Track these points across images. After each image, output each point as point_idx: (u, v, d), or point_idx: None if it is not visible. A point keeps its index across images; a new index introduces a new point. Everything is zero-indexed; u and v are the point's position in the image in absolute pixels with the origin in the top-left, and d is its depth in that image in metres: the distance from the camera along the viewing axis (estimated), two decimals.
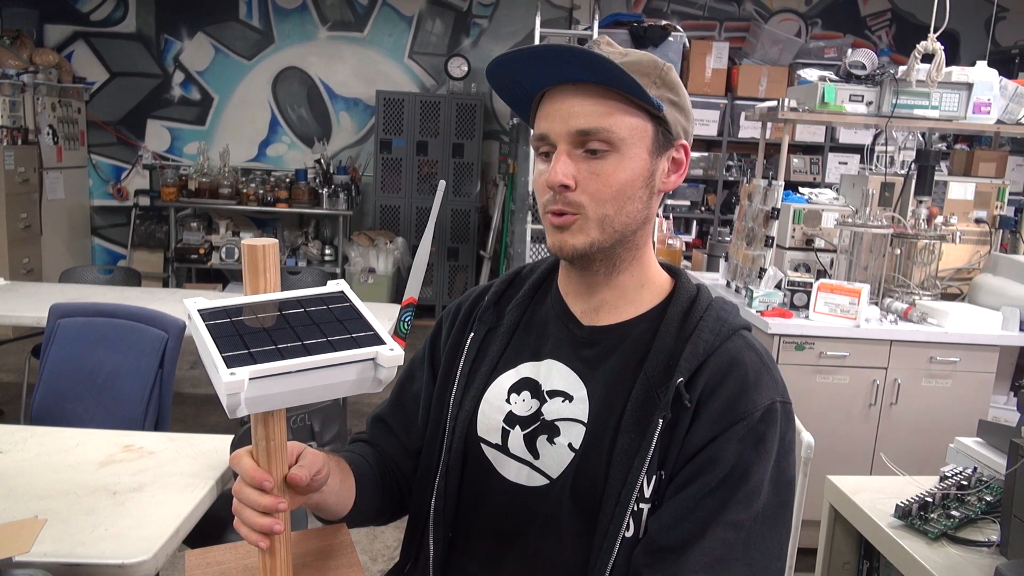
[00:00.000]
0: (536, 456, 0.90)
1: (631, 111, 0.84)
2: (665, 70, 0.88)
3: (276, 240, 0.73)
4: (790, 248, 3.13)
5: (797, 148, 5.93)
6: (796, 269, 3.11)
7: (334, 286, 0.79)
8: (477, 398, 0.95)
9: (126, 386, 2.18)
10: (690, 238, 5.88)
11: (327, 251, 6.08)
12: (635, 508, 0.82)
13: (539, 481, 0.89)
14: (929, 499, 1.26)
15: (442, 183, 0.84)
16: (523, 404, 0.92)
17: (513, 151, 5.30)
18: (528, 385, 0.93)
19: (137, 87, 6.19)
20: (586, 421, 0.88)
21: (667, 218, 5.11)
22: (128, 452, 1.70)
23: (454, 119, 6.00)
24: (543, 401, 0.91)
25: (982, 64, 2.87)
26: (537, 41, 4.47)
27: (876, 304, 2.85)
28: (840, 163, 5.92)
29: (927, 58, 2.75)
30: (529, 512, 0.89)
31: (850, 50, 2.94)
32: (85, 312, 2.29)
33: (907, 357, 2.68)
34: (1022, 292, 2.70)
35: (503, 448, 0.92)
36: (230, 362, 0.65)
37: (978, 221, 3.06)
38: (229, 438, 1.82)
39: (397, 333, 0.81)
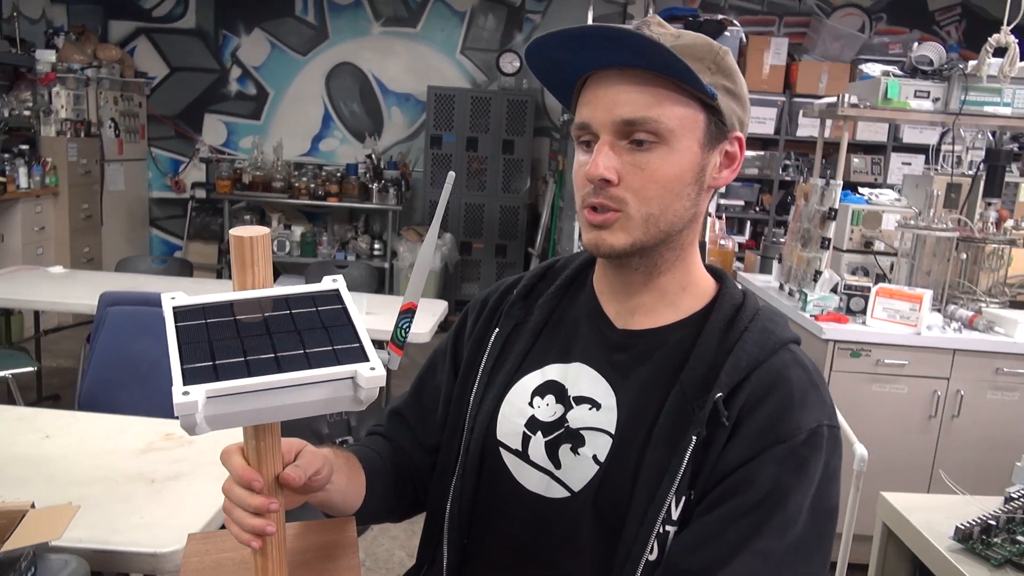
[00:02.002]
0: (558, 466, 0.84)
1: (681, 99, 0.77)
2: (721, 55, 0.81)
3: (267, 230, 0.68)
4: (847, 251, 3.01)
5: (858, 147, 5.73)
6: (853, 273, 2.99)
7: (329, 283, 0.72)
8: (498, 398, 0.90)
9: (169, 375, 2.20)
10: (743, 239, 5.74)
11: (376, 246, 6.11)
12: (660, 530, 0.76)
13: (559, 493, 0.84)
14: (992, 522, 1.17)
15: (451, 175, 0.79)
16: (547, 409, 0.87)
17: (563, 147, 5.24)
18: (553, 389, 0.87)
19: (195, 82, 6.32)
20: (613, 432, 0.82)
21: (720, 218, 5.00)
22: (168, 440, 1.71)
23: (504, 115, 5.96)
24: (568, 407, 0.85)
25: None
26: None
27: (939, 311, 2.72)
28: (904, 163, 5.70)
29: (999, 52, 2.61)
30: (548, 526, 0.84)
31: (916, 44, 2.80)
32: (133, 301, 2.32)
33: (971, 367, 2.55)
34: None
35: (523, 455, 0.87)
36: (189, 376, 0.60)
37: None
38: None
39: (394, 341, 0.76)
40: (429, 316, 3.32)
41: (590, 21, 4.38)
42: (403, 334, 0.76)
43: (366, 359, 0.65)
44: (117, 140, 5.84)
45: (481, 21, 6.29)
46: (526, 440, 0.87)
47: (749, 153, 5.73)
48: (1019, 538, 1.15)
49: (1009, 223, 2.72)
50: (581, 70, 0.80)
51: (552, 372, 0.89)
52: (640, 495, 0.77)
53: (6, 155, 4.73)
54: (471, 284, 6.23)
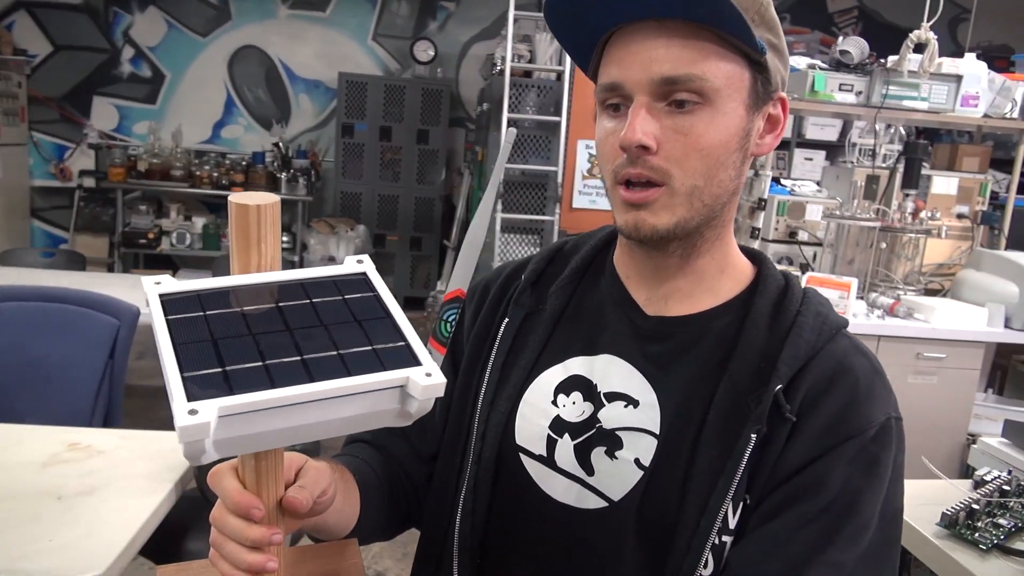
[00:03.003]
0: (590, 472, 0.74)
1: (727, 55, 0.68)
2: (765, 5, 0.72)
3: (276, 197, 0.55)
4: (773, 240, 3.06)
5: None
6: (779, 262, 3.04)
7: (353, 265, 0.59)
8: (515, 398, 0.79)
9: (72, 378, 1.98)
10: None
11: (284, 239, 5.84)
12: (716, 541, 0.67)
13: (594, 503, 0.74)
14: (976, 506, 1.16)
15: (512, 131, 0.67)
16: (573, 408, 0.76)
17: (482, 138, 5.15)
18: (579, 385, 0.77)
19: (83, 62, 5.85)
20: (658, 432, 0.72)
21: None
22: (75, 451, 1.53)
23: (419, 104, 5.81)
24: (599, 405, 0.75)
25: (971, 56, 2.83)
26: (511, 26, 4.32)
27: (861, 299, 2.79)
28: (806, 159, 5.92)
29: (918, 48, 2.69)
30: (581, 541, 0.74)
31: (840, 39, 2.87)
32: (27, 296, 2.08)
33: (895, 353, 2.63)
34: (1007, 288, 2.67)
35: (549, 460, 0.76)
36: (194, 387, 0.47)
37: (960, 216, 3.03)
38: None
39: (436, 337, 0.65)
40: None
41: (511, 6, 4.29)
42: (447, 328, 0.64)
43: (418, 362, 0.52)
44: None
45: (394, 7, 6.11)
46: (551, 444, 0.76)
47: None
48: (1001, 522, 1.15)
49: (925, 214, 2.82)
50: (608, 24, 0.70)
51: (576, 366, 0.78)
52: (691, 503, 0.68)
53: None
54: (385, 277, 6.03)
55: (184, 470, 1.54)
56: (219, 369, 0.48)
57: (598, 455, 0.74)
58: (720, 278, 0.77)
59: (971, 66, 2.80)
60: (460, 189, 5.82)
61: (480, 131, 5.43)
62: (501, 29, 5.87)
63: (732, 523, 0.68)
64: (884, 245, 2.80)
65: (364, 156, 5.86)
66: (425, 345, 0.64)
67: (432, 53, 5.86)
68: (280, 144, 5.74)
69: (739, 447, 0.67)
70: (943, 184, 2.98)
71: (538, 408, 0.78)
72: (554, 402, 0.77)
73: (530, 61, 4.53)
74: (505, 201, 4.42)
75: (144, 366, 4.33)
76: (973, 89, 2.77)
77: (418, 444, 0.88)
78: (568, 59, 4.34)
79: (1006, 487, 1.22)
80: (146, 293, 0.53)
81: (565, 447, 0.76)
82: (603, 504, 0.73)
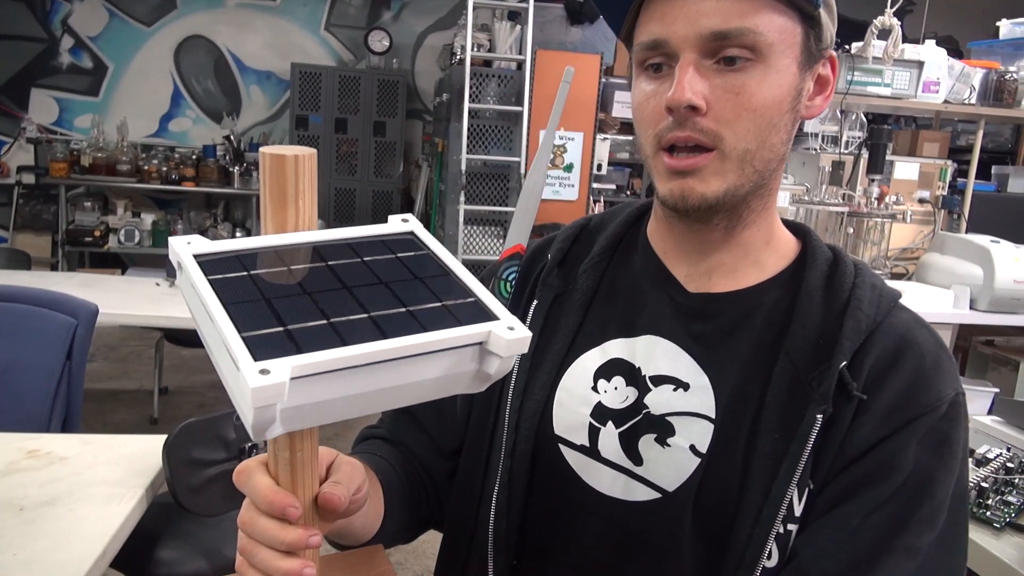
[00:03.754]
0: (638, 462, 0.69)
1: (779, 7, 0.63)
2: None
3: (313, 150, 0.50)
4: None
5: None
6: None
7: (399, 224, 0.54)
8: (550, 385, 0.74)
9: (27, 381, 1.86)
10: None
11: (239, 234, 5.67)
12: (780, 530, 0.63)
13: (644, 495, 0.69)
14: (985, 484, 1.16)
15: (570, 69, 0.60)
16: (615, 394, 0.71)
17: (441, 129, 5.07)
18: (620, 368, 0.72)
19: (18, 52, 5.57)
20: (713, 416, 0.67)
21: (598, 201, 5.02)
22: (34, 458, 1.44)
23: (375, 96, 5.69)
24: (644, 390, 0.71)
25: (931, 43, 2.87)
26: (470, 14, 4.25)
27: None
28: None
29: (882, 35, 2.72)
30: (632, 535, 0.69)
31: None
32: None
33: None
34: (971, 270, 2.72)
35: (592, 451, 0.71)
36: (257, 348, 0.41)
37: (921, 201, 3.08)
38: (157, 439, 1.57)
39: (497, 298, 0.59)
40: None
41: (470, 5, 4.22)
42: (508, 288, 0.58)
43: (495, 316, 0.47)
44: None
45: None
46: (594, 433, 0.71)
47: (619, 137, 5.81)
48: (1010, 499, 1.15)
49: (890, 199, 2.86)
50: None
51: (615, 349, 0.73)
52: (753, 490, 0.64)
53: None
54: None
55: (155, 475, 1.46)
56: (280, 328, 0.43)
57: (647, 443, 0.69)
58: (766, 251, 0.72)
59: (932, 53, 2.84)
60: (419, 182, 5.73)
61: (439, 122, 5.34)
62: (458, 19, 5.80)
63: (797, 510, 0.64)
64: (851, 230, 2.83)
65: (320, 149, 5.68)
66: None
67: (387, 43, 5.75)
68: (231, 137, 5.57)
69: (803, 429, 0.63)
70: (905, 169, 3.03)
71: (577, 395, 0.73)
72: (594, 388, 0.72)
73: (489, 50, 4.47)
74: (467, 193, 4.35)
75: (96, 369, 4.15)
76: (934, 75, 2.81)
77: (439, 438, 0.82)
78: (529, 48, 4.29)
79: (1010, 464, 1.22)
80: (177, 253, 0.48)
81: (609, 436, 0.70)
82: (655, 495, 0.68)
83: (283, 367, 0.40)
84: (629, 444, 0.70)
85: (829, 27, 0.68)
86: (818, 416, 0.63)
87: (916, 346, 0.66)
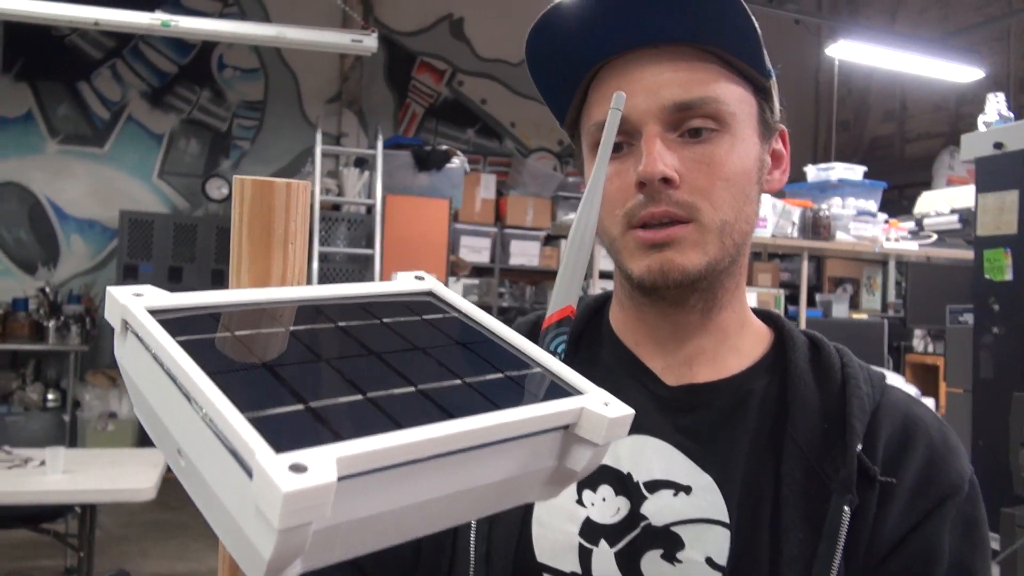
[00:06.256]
0: None
1: (734, 79, 0.62)
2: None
3: (307, 181, 0.40)
4: None
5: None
6: None
7: (411, 282, 0.43)
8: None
9: None
10: None
11: (51, 396, 5.05)
12: None
13: None
14: None
15: (620, 95, 0.52)
16: (604, 505, 0.62)
17: None
18: (605, 476, 0.63)
19: None
20: (727, 521, 0.60)
21: None
22: None
23: (214, 243, 5.46)
24: (639, 498, 0.62)
25: None
26: (319, 160, 4.24)
27: None
28: (602, 288, 6.30)
29: None
30: None
31: None
32: None
33: None
34: None
35: None
36: (273, 433, 0.28)
37: None
38: None
39: None
40: (148, 467, 2.73)
41: (319, 141, 4.23)
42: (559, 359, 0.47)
43: (579, 389, 0.36)
44: None
45: (182, 145, 5.83)
46: (586, 556, 0.61)
47: (468, 281, 5.90)
48: None
49: None
50: (601, 53, 0.63)
51: None
52: None
53: None
54: None
55: None
56: (299, 405, 0.30)
57: (652, 562, 0.59)
58: (742, 335, 0.67)
59: None
60: None
61: None
62: (301, 167, 5.80)
63: None
64: None
65: None
66: None
67: (226, 191, 5.61)
68: (47, 289, 5.07)
69: (830, 524, 0.57)
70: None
71: (560, 510, 0.62)
72: (579, 500, 0.62)
73: (339, 194, 4.46)
74: None
75: None
76: (762, 212, 3.09)
77: None
78: (379, 193, 4.32)
79: None
80: (123, 307, 0.34)
81: (604, 558, 0.60)
82: None
83: (325, 460, 0.26)
84: (629, 565, 0.60)
85: (777, 101, 0.68)
86: (845, 508, 0.57)
87: (923, 423, 0.63)
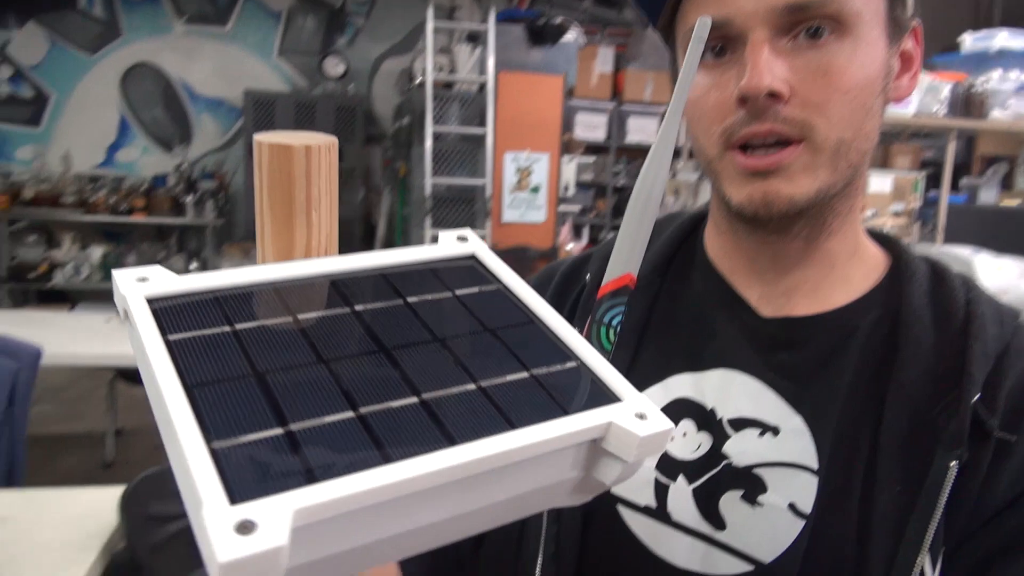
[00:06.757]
0: (720, 526, 0.56)
1: None
2: None
3: (334, 139, 0.37)
4: None
5: None
6: None
7: (453, 244, 0.39)
8: None
9: None
10: (582, 244, 5.76)
11: (193, 266, 5.46)
12: None
13: (730, 567, 0.56)
14: None
15: (705, 20, 0.46)
16: (685, 441, 0.59)
17: (403, 153, 4.96)
18: (688, 410, 0.60)
19: None
20: (816, 467, 0.55)
21: (563, 223, 4.95)
22: None
23: (332, 121, 5.56)
24: (722, 436, 0.58)
25: None
26: (430, 37, 4.17)
27: None
28: None
29: None
30: None
31: None
32: None
33: None
34: None
35: (661, 513, 0.58)
36: (237, 474, 0.25)
37: (896, 214, 3.06)
38: (110, 492, 1.41)
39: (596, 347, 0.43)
40: None
41: (430, 17, 4.14)
42: (611, 337, 0.43)
43: (614, 396, 0.31)
44: None
45: (300, 22, 5.85)
46: (661, 491, 0.58)
47: (583, 159, 5.77)
48: None
49: (867, 212, 2.83)
50: None
51: (681, 386, 0.61)
52: (875, 558, 0.51)
53: None
54: None
55: (109, 535, 1.31)
56: (277, 430, 0.27)
57: (731, 502, 0.56)
58: (852, 264, 0.60)
59: None
60: (380, 208, 5.60)
61: (399, 147, 5.23)
62: (414, 43, 5.73)
63: None
64: None
65: None
66: None
67: (343, 68, 5.64)
68: (183, 166, 5.38)
69: (932, 479, 0.51)
70: (879, 183, 3.01)
71: None
72: None
73: (451, 72, 4.39)
74: (433, 217, 4.25)
75: (42, 412, 3.89)
76: None
77: None
78: (491, 69, 4.23)
79: None
80: (123, 295, 0.32)
81: (680, 493, 0.58)
82: (746, 568, 0.55)
83: (279, 516, 0.24)
84: (708, 504, 0.57)
85: None
86: (952, 464, 0.51)
87: None
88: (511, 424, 0.29)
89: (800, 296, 0.60)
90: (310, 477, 0.25)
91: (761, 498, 0.56)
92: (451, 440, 0.28)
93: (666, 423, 0.31)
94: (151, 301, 0.32)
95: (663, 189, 0.44)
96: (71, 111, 5.52)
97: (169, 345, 0.30)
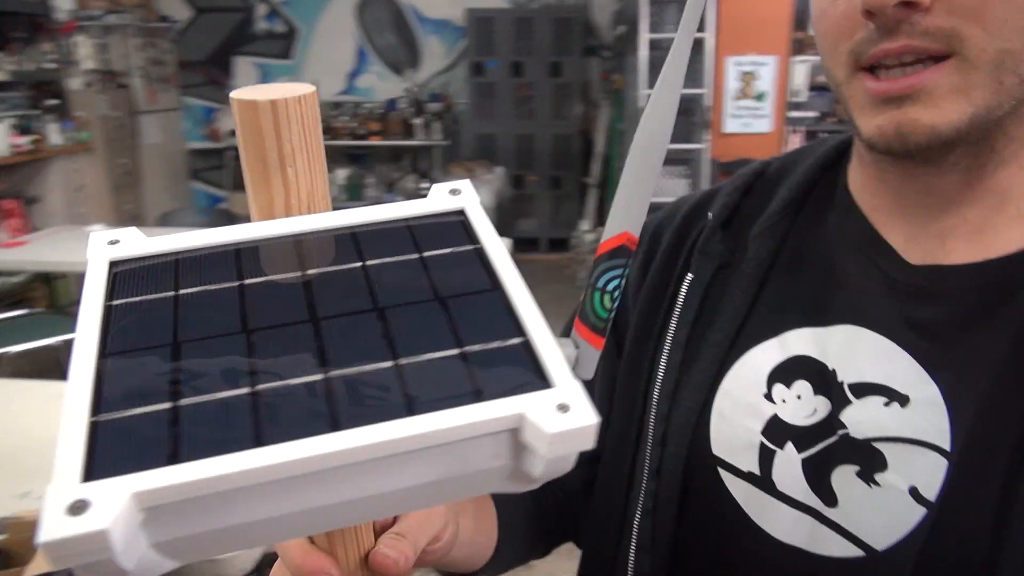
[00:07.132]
0: (831, 501, 0.50)
1: None
2: None
3: (311, 88, 0.35)
4: None
5: None
6: None
7: (445, 197, 0.35)
8: (707, 387, 0.55)
9: None
10: None
11: (423, 185, 5.82)
12: None
13: (839, 548, 0.50)
14: None
15: None
16: (799, 405, 0.52)
17: (618, 65, 4.83)
18: (806, 370, 0.53)
19: (222, 23, 5.99)
20: (948, 448, 0.47)
21: (794, 132, 4.57)
22: None
23: (550, 36, 5.53)
24: (842, 402, 0.51)
25: None
26: None
27: None
28: None
29: None
30: None
31: None
32: None
33: None
34: None
35: (764, 481, 0.53)
36: (107, 448, 0.25)
37: None
38: None
39: (586, 319, 0.39)
40: None
41: None
42: (608, 302, 0.39)
43: (544, 380, 0.28)
44: (148, 90, 5.58)
45: None
46: (767, 457, 0.53)
47: (818, 60, 5.23)
48: None
49: None
50: None
51: (799, 342, 0.54)
52: (1012, 559, 0.44)
53: (34, 112, 4.50)
54: (528, 220, 5.89)
55: None
56: (167, 404, 0.27)
57: (844, 477, 0.50)
58: None
59: None
60: (598, 122, 5.54)
61: (616, 58, 5.09)
62: None
63: None
64: None
65: (496, 95, 5.68)
66: (568, 332, 0.40)
67: None
68: (413, 89, 5.67)
69: None
70: None
71: (744, 403, 0.54)
72: (768, 395, 0.53)
73: None
74: None
75: None
76: None
77: None
78: None
79: None
80: (88, 258, 0.32)
81: (788, 462, 0.52)
82: (856, 553, 0.49)
83: (114, 498, 0.23)
84: (818, 476, 0.51)
85: None
86: None
87: None
88: (410, 410, 0.27)
89: (957, 239, 0.50)
90: (172, 458, 0.25)
91: (879, 476, 0.49)
92: (335, 426, 0.26)
93: (591, 418, 0.27)
94: (115, 263, 0.32)
95: (668, 134, 0.39)
96: (316, 42, 6.00)
97: (108, 310, 0.30)
